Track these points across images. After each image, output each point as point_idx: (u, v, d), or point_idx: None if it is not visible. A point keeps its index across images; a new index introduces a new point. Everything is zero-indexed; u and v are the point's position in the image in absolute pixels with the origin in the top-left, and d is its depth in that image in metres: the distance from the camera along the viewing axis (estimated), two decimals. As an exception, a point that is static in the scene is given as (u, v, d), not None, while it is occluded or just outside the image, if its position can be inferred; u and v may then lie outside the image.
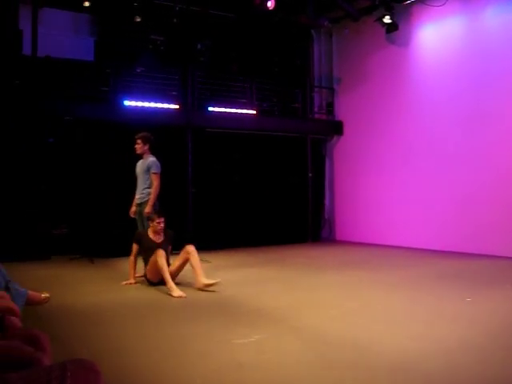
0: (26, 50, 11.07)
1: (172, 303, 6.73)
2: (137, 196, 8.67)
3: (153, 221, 7.92)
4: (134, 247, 7.93)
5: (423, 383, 3.80)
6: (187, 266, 7.61)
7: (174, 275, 7.48)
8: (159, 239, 7.95)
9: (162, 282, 7.51)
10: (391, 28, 12.50)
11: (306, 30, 14.63)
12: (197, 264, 7.38)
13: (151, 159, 8.56)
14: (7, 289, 4.58)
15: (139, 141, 8.61)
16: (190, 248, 7.51)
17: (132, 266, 8.05)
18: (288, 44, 14.33)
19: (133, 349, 4.71)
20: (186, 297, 6.91)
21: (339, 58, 14.66)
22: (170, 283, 7.19)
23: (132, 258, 8.01)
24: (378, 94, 13.25)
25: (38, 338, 2.64)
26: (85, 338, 5.05)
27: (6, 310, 3.10)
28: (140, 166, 8.71)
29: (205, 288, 7.17)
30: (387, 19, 12.33)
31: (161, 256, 7.34)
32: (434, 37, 12.13)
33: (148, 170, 8.51)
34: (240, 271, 9.33)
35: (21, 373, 1.95)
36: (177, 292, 7.03)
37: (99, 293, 7.42)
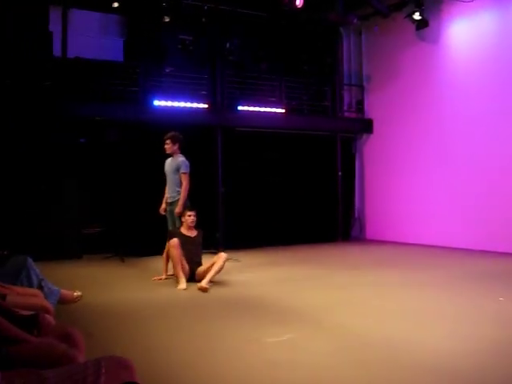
0: (56, 51, 11.19)
1: (203, 301, 6.73)
2: (167, 195, 8.70)
3: (184, 215, 8.01)
4: (167, 245, 7.98)
5: (454, 383, 3.73)
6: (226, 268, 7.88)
7: (202, 275, 7.53)
8: (193, 234, 8.00)
9: (192, 277, 7.59)
10: (421, 24, 12.37)
11: (335, 28, 14.53)
12: (215, 269, 7.51)
13: (181, 159, 8.58)
14: (40, 287, 4.64)
15: (168, 141, 8.64)
16: (223, 254, 7.79)
17: (165, 263, 8.14)
18: (317, 42, 14.25)
19: (165, 346, 4.71)
20: (186, 289, 7.30)
21: (369, 55, 14.54)
22: (180, 274, 7.51)
23: (165, 254, 8.09)
24: (409, 91, 13.10)
25: (71, 335, 2.65)
26: (118, 336, 5.07)
27: (40, 307, 3.13)
28: (169, 164, 8.74)
29: (200, 289, 7.18)
30: (417, 16, 12.20)
31: (173, 246, 7.59)
32: (464, 33, 11.95)
33: (178, 169, 8.54)
34: (270, 270, 9.30)
35: (56, 369, 1.96)
36: (180, 285, 7.42)
37: (130, 291, 7.45)
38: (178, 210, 8.32)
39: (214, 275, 7.48)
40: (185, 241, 7.81)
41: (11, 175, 10.35)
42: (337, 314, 5.90)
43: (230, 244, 12.04)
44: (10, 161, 10.37)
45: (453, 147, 12.04)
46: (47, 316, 2.79)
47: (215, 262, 7.58)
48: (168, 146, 8.64)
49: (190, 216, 8.01)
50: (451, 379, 3.79)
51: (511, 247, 10.49)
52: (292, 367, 4.10)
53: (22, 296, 3.60)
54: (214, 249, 10.98)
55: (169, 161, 8.78)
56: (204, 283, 7.22)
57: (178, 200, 8.44)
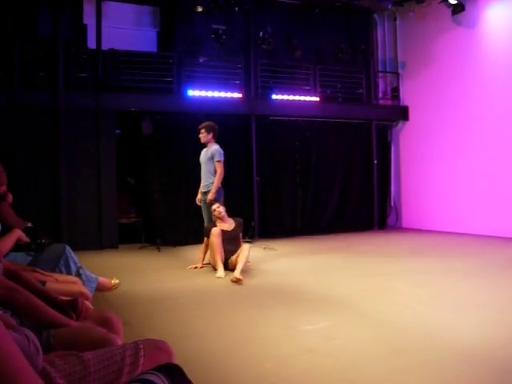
0: (91, 43, 11.29)
1: (239, 290, 6.75)
2: (202, 184, 8.73)
3: (214, 210, 8.12)
4: (205, 241, 8.14)
5: (495, 371, 3.68)
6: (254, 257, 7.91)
7: (234, 264, 7.63)
8: (230, 227, 8.05)
9: (226, 266, 7.66)
10: (457, 9, 12.14)
11: (369, 14, 14.38)
12: (243, 260, 7.53)
13: (215, 147, 8.60)
14: (79, 275, 4.69)
15: (203, 130, 8.67)
16: (246, 245, 7.95)
17: (203, 252, 8.25)
18: (351, 29, 14.11)
19: (201, 334, 4.74)
20: (223, 278, 7.37)
21: (403, 41, 14.35)
22: (218, 262, 7.64)
23: (203, 246, 8.23)
24: (445, 77, 12.90)
25: (110, 320, 2.68)
26: (155, 323, 5.12)
27: (79, 294, 3.17)
28: (204, 154, 8.77)
29: (234, 281, 7.09)
30: (453, 0, 11.99)
31: (214, 235, 7.72)
32: (502, 16, 11.69)
33: (212, 158, 8.56)
34: (306, 258, 9.28)
35: (96, 351, 1.97)
36: (218, 273, 7.56)
37: (167, 280, 7.52)
38: (210, 196, 8.36)
39: (243, 265, 7.47)
40: (223, 237, 7.87)
41: (50, 167, 10.51)
42: (372, 302, 5.86)
43: (265, 233, 12.08)
44: (50, 152, 10.53)
45: (491, 134, 11.81)
46: (85, 301, 2.82)
47: (241, 253, 7.67)
48: (203, 135, 8.68)
49: (214, 210, 8.15)
50: (488, 367, 3.74)
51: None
52: (328, 354, 4.10)
53: (60, 283, 3.65)
54: (250, 238, 11.02)
55: (204, 150, 8.82)
56: (237, 274, 7.18)
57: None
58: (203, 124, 8.75)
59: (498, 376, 3.60)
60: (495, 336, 4.47)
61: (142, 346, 2.01)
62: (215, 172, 8.52)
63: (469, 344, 4.27)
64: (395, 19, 14.46)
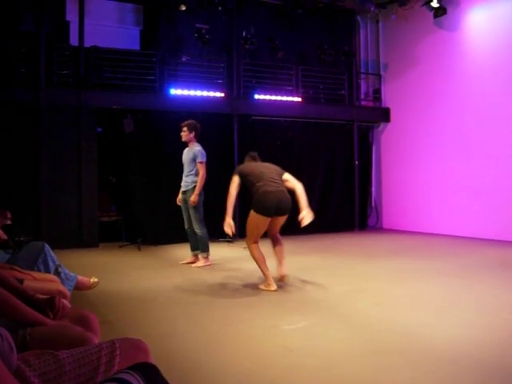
0: (74, 41, 11.22)
1: (220, 289, 6.77)
2: (182, 184, 8.71)
3: None
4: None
5: (473, 371, 3.72)
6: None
7: None
8: None
9: None
10: (439, 12, 12.23)
11: (352, 16, 14.43)
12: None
13: (197, 148, 8.56)
14: (57, 273, 4.67)
15: (185, 128, 8.62)
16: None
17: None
18: (334, 30, 14.15)
19: (182, 333, 4.74)
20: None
21: (386, 43, 14.43)
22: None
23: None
24: (426, 79, 12.98)
25: (87, 318, 2.67)
26: (134, 322, 5.11)
27: (57, 292, 3.15)
28: (186, 154, 8.73)
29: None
30: (435, 3, 12.06)
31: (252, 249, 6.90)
32: (483, 20, 11.79)
33: (194, 159, 8.52)
34: (287, 258, 9.20)
35: (72, 350, 1.97)
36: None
37: (147, 279, 7.50)
38: (193, 198, 8.32)
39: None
40: None
41: (31, 164, 10.43)
42: (353, 302, 5.90)
43: (245, 233, 12.04)
44: (30, 150, 10.44)
45: (470, 136, 11.92)
46: (63, 300, 2.80)
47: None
48: (184, 134, 8.63)
49: None
50: (472, 367, 3.78)
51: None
52: (308, 354, 4.12)
53: (38, 281, 3.62)
54: (230, 237, 11.00)
55: (186, 150, 8.77)
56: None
57: (192, 188, 8.42)
58: (186, 122, 8.69)
59: (477, 376, 3.63)
60: (473, 336, 4.52)
61: (118, 345, 2.00)
62: (197, 173, 8.49)
63: (447, 344, 4.30)
64: (378, 21, 14.54)
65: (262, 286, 6.67)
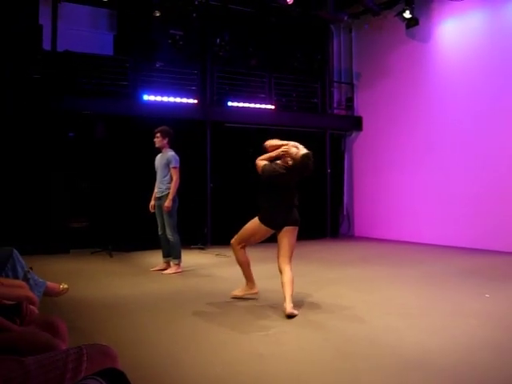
0: (46, 45, 11.14)
1: (191, 297, 6.74)
2: (156, 190, 8.67)
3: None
4: None
5: (440, 378, 3.76)
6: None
7: None
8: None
9: None
10: (411, 23, 12.41)
11: (326, 25, 14.54)
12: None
13: (170, 153, 8.54)
14: (26, 279, 4.62)
15: (158, 134, 8.60)
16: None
17: None
18: (307, 39, 14.25)
19: (151, 340, 4.72)
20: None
21: (359, 53, 14.56)
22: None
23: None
24: (399, 89, 13.13)
25: (55, 324, 2.65)
26: (104, 329, 5.08)
27: (25, 298, 3.11)
28: (159, 160, 8.70)
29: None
30: (407, 14, 12.24)
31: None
32: (454, 32, 11.99)
33: (167, 164, 8.50)
34: (258, 266, 9.18)
35: (38, 356, 1.95)
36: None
37: (118, 286, 7.45)
38: (167, 204, 8.29)
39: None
40: None
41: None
42: (323, 309, 5.93)
43: (218, 240, 12.03)
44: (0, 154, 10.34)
45: (441, 146, 12.09)
46: (31, 307, 2.78)
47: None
48: (158, 140, 8.60)
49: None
50: (439, 375, 3.82)
51: (498, 245, 10.56)
52: (277, 361, 4.13)
53: (6, 287, 3.58)
54: (202, 244, 11.00)
55: (159, 156, 8.75)
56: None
57: (166, 194, 8.40)
58: (159, 128, 8.66)
59: (442, 381, 3.68)
60: (442, 343, 4.57)
61: (85, 351, 2.00)
62: (171, 178, 8.46)
63: (415, 350, 4.35)
64: (351, 31, 14.69)
65: (237, 293, 6.55)
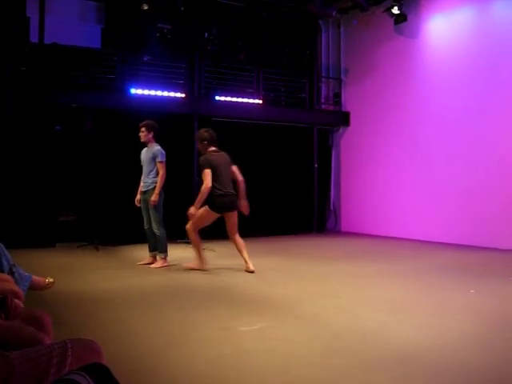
0: (33, 37, 11.06)
1: (177, 290, 6.75)
2: (142, 184, 8.65)
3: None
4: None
5: (427, 373, 3.78)
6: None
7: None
8: None
9: None
10: (400, 19, 12.43)
11: (314, 20, 14.53)
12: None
13: (156, 148, 8.52)
14: (11, 273, 4.58)
15: (143, 129, 8.57)
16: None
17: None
18: (296, 34, 14.24)
19: (137, 334, 4.71)
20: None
21: (347, 48, 14.58)
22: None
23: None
24: (386, 85, 13.17)
25: (40, 318, 2.63)
26: (89, 324, 5.06)
27: (10, 292, 3.09)
28: (145, 154, 8.68)
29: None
30: (396, 10, 12.27)
31: None
32: (442, 28, 12.03)
33: (153, 158, 8.48)
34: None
35: (22, 351, 1.95)
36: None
37: (104, 280, 7.43)
38: (153, 198, 8.27)
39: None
40: None
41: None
42: (310, 304, 5.94)
43: (204, 234, 11.99)
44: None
45: (427, 142, 12.15)
46: (15, 300, 2.76)
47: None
48: (143, 134, 8.57)
49: None
50: (427, 370, 3.84)
51: (484, 241, 10.63)
52: (263, 355, 4.13)
53: (-9, 281, 3.56)
54: (188, 239, 10.99)
55: (144, 150, 8.73)
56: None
57: (152, 188, 8.39)
58: (144, 122, 8.63)
59: (431, 377, 3.71)
60: (429, 338, 4.60)
61: (70, 346, 1.99)
62: (157, 173, 8.45)
63: (403, 345, 4.38)
64: (339, 26, 14.69)
65: (190, 265, 8.13)
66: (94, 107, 11.26)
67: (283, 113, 13.68)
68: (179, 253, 9.67)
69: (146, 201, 8.50)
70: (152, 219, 8.45)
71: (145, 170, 8.63)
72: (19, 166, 10.53)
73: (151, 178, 8.48)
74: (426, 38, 12.41)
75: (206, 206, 7.89)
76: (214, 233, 12.03)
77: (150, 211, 8.43)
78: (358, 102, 14.16)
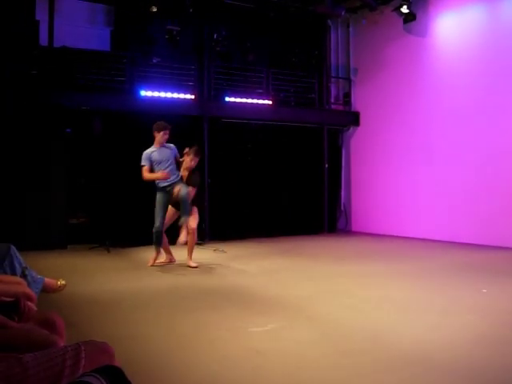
0: (43, 40, 11.11)
1: (188, 292, 6.75)
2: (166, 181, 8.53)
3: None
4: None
5: (438, 373, 3.76)
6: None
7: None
8: None
9: None
10: (409, 18, 12.40)
11: (323, 20, 14.50)
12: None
13: (173, 145, 8.65)
14: (24, 275, 4.61)
15: (168, 131, 8.57)
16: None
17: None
18: (305, 34, 14.23)
19: (149, 336, 4.72)
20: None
21: (356, 48, 14.55)
22: None
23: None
24: (396, 84, 13.13)
25: (53, 321, 2.65)
26: (101, 325, 5.08)
27: (23, 295, 3.11)
28: (165, 153, 8.53)
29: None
30: (405, 9, 12.23)
31: None
32: (451, 26, 11.98)
33: (175, 155, 8.63)
34: (255, 261, 9.30)
35: (36, 353, 1.95)
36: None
37: (115, 282, 7.45)
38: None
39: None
40: None
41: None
42: (321, 305, 5.93)
43: (215, 235, 12.05)
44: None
45: (439, 141, 12.09)
46: (29, 303, 2.78)
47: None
48: (167, 137, 8.60)
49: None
50: (438, 369, 3.82)
51: (496, 240, 10.56)
52: (275, 356, 4.13)
53: (4, 283, 3.56)
54: (200, 239, 11.00)
55: (160, 150, 8.50)
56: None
57: (175, 182, 8.39)
58: (169, 126, 8.60)
59: (443, 377, 3.69)
60: (441, 338, 4.58)
61: (83, 348, 2.00)
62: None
63: (414, 345, 4.36)
64: (348, 26, 14.66)
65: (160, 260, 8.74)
66: (103, 110, 11.31)
67: (293, 113, 13.67)
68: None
69: (169, 193, 8.47)
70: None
71: (168, 167, 8.49)
72: (30, 169, 10.56)
73: (175, 173, 8.54)
74: (435, 36, 12.36)
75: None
76: (224, 234, 12.14)
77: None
78: (367, 101, 14.12)
